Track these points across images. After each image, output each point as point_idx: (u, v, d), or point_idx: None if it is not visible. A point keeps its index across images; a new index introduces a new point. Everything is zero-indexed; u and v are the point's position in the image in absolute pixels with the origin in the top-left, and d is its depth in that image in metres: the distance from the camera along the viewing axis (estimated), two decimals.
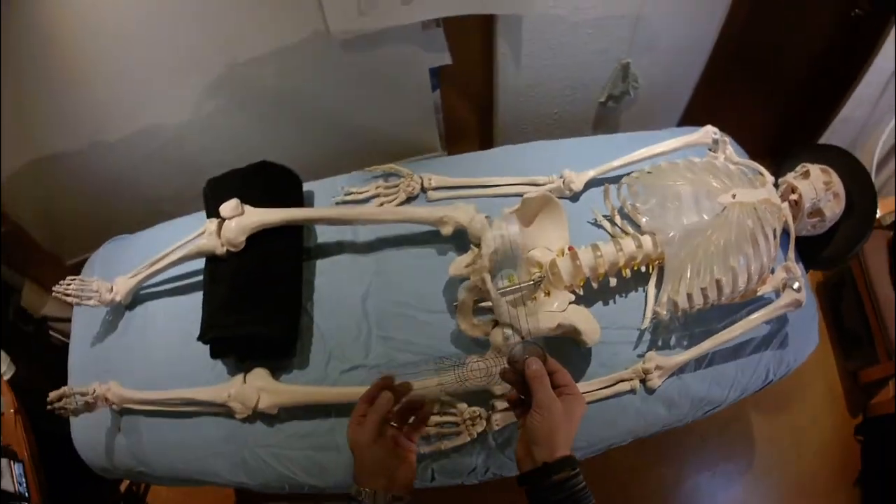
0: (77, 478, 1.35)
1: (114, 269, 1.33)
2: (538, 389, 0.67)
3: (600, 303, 1.26)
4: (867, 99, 1.78)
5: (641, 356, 1.22)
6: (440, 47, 1.55)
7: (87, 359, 1.30)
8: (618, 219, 1.32)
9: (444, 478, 1.15)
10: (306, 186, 1.41)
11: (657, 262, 1.23)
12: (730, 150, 1.37)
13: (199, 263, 1.27)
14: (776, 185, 1.30)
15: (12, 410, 1.38)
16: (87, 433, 1.23)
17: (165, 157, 1.63)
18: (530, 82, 1.75)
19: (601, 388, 1.19)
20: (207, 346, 1.18)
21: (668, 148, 1.37)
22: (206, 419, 1.19)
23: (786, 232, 1.25)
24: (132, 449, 1.21)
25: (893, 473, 1.73)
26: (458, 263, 1.15)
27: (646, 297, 1.24)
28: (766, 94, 2.06)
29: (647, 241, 1.21)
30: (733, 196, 1.21)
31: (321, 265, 1.33)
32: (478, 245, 1.17)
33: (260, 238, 1.20)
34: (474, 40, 1.65)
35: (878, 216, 1.76)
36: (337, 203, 1.39)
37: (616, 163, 1.37)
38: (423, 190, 1.39)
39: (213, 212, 1.23)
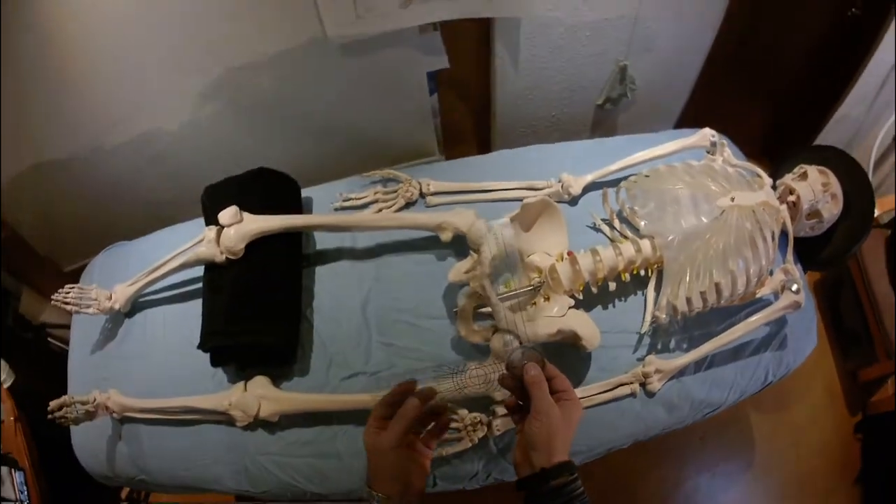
0: (78, 485, 1.35)
1: (112, 277, 1.33)
2: (536, 395, 0.67)
3: (600, 307, 1.26)
4: (864, 98, 1.78)
5: (641, 360, 1.22)
6: (438, 51, 1.55)
7: (87, 367, 1.30)
8: (616, 223, 1.32)
9: (446, 483, 1.16)
10: (304, 192, 1.41)
11: (656, 265, 1.24)
12: (728, 153, 1.37)
13: (199, 270, 1.27)
14: (774, 187, 1.31)
15: (12, 418, 1.38)
16: (87, 441, 1.23)
17: (163, 163, 1.63)
18: (528, 85, 1.75)
19: (601, 393, 1.19)
20: (208, 354, 1.18)
21: (666, 151, 1.37)
22: (208, 427, 1.19)
23: (784, 233, 1.26)
24: (133, 457, 1.21)
25: (893, 471, 1.74)
26: (458, 269, 1.15)
27: (645, 300, 1.25)
28: (762, 93, 2.07)
29: (646, 244, 1.21)
30: (732, 199, 1.21)
31: (320, 272, 1.33)
32: (477, 251, 1.17)
33: (259, 245, 1.20)
34: (472, 44, 1.65)
35: (875, 215, 1.76)
36: (335, 209, 1.39)
37: (614, 166, 1.37)
38: (422, 195, 1.39)
39: (211, 219, 1.22)
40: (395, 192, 1.39)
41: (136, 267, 1.31)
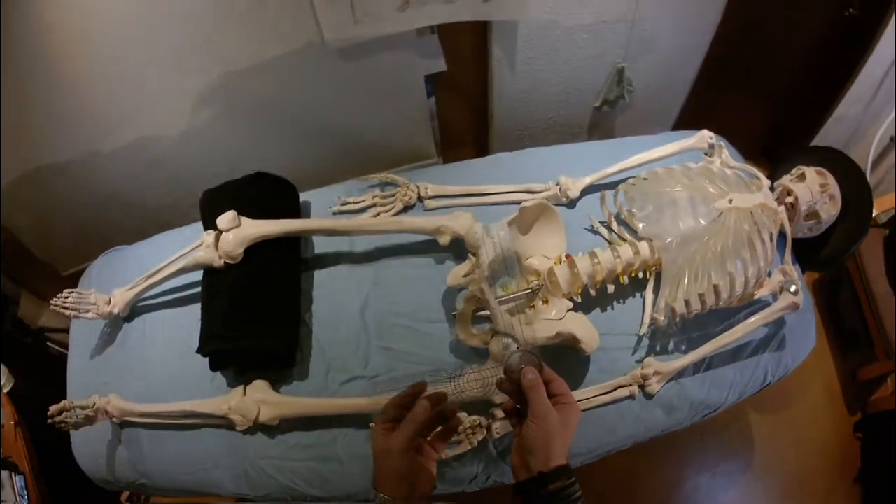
0: (78, 489, 1.35)
1: (111, 281, 1.33)
2: (534, 399, 0.67)
3: (598, 309, 1.26)
4: (861, 98, 1.79)
5: (640, 362, 1.22)
6: (435, 54, 1.55)
7: (86, 371, 1.30)
8: (615, 225, 1.32)
9: (446, 486, 1.16)
10: (302, 196, 1.41)
11: (654, 268, 1.24)
12: (725, 154, 1.37)
13: (197, 275, 1.27)
14: (772, 189, 1.31)
15: (12, 423, 1.39)
16: (87, 445, 1.23)
17: (162, 168, 1.63)
18: (525, 88, 1.75)
19: (600, 395, 1.19)
20: (207, 359, 1.18)
21: (664, 153, 1.37)
22: (207, 431, 1.19)
23: (782, 235, 1.26)
24: (133, 461, 1.21)
25: (893, 470, 1.74)
26: (456, 273, 1.15)
27: (643, 303, 1.25)
28: (760, 94, 2.07)
29: (644, 247, 1.21)
30: (730, 201, 1.22)
31: (319, 276, 1.33)
32: (475, 254, 1.17)
33: (258, 250, 1.20)
34: (469, 47, 1.65)
35: (874, 214, 1.76)
36: (334, 213, 1.39)
37: (612, 169, 1.37)
38: (420, 199, 1.39)
39: (209, 224, 1.22)
40: (394, 195, 1.39)
41: (134, 271, 1.31)
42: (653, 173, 1.30)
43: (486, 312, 1.14)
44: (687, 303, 1.16)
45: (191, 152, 1.61)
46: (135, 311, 1.33)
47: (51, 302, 1.23)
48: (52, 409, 1.12)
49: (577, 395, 1.18)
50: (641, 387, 1.21)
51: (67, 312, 1.23)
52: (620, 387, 1.20)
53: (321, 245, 1.36)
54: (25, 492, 1.33)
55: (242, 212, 1.21)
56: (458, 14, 1.41)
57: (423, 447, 0.72)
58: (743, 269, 1.16)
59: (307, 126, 1.66)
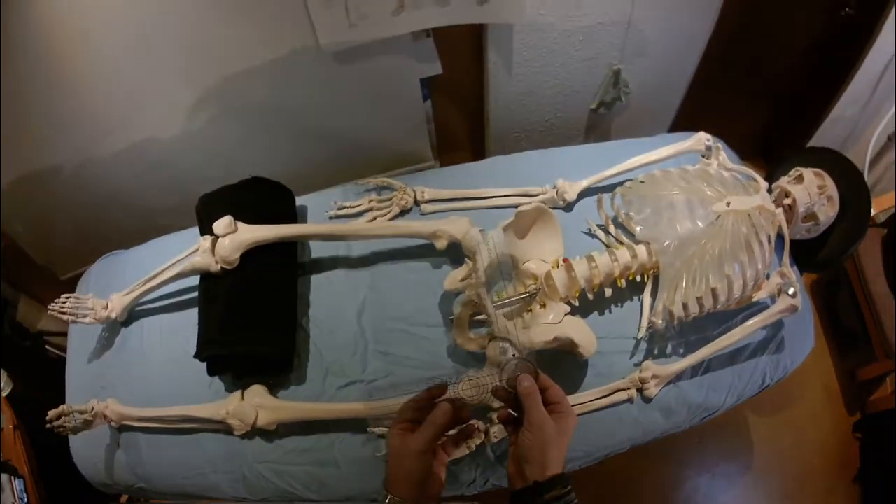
0: (77, 493, 1.35)
1: (109, 285, 1.33)
2: (530, 407, 0.67)
3: (596, 313, 1.26)
4: (858, 97, 1.78)
5: (638, 365, 1.22)
6: (430, 57, 1.55)
7: (85, 376, 1.30)
8: (612, 228, 1.32)
9: (444, 490, 1.16)
10: (298, 200, 1.41)
11: (652, 271, 1.24)
12: (723, 157, 1.37)
13: (195, 279, 1.26)
14: (770, 191, 1.31)
15: (12, 426, 1.39)
16: (86, 449, 1.23)
17: (158, 172, 1.63)
18: (521, 90, 1.75)
19: (598, 399, 1.19)
20: (204, 364, 1.18)
21: (661, 156, 1.37)
22: (206, 436, 1.19)
23: (780, 237, 1.26)
24: (132, 465, 1.21)
25: (892, 469, 1.74)
26: (453, 278, 1.15)
27: (641, 306, 1.25)
28: (757, 95, 2.07)
29: (641, 250, 1.21)
30: (727, 204, 1.22)
31: (316, 280, 1.33)
32: (472, 259, 1.17)
33: (254, 255, 1.20)
34: (465, 50, 1.64)
35: (871, 214, 1.76)
36: (330, 217, 1.39)
37: (609, 172, 1.37)
38: (417, 203, 1.39)
39: (206, 229, 1.22)
40: (390, 199, 1.39)
41: (132, 275, 1.31)
42: (650, 176, 1.30)
43: (484, 317, 1.14)
44: (685, 306, 1.16)
45: (188, 155, 1.61)
46: (132, 315, 1.33)
47: (49, 307, 1.23)
48: (51, 413, 1.12)
49: (575, 398, 1.18)
50: (639, 390, 1.20)
51: (65, 317, 1.23)
52: (618, 390, 1.20)
53: (318, 249, 1.36)
54: (25, 495, 1.33)
55: (239, 217, 1.21)
56: (453, 17, 1.41)
57: (436, 450, 0.72)
58: (741, 272, 1.16)
59: (303, 130, 1.66)
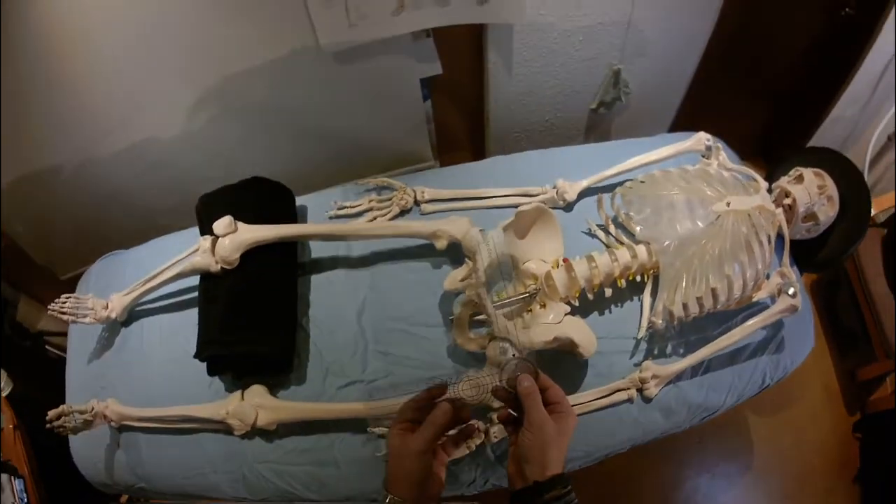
0: (77, 493, 1.35)
1: (109, 285, 1.33)
2: (530, 407, 0.67)
3: (596, 313, 1.26)
4: (858, 97, 1.78)
5: (638, 365, 1.22)
6: (430, 57, 1.55)
7: (85, 376, 1.30)
8: (612, 228, 1.32)
9: (444, 490, 1.16)
10: (299, 200, 1.41)
11: (652, 271, 1.24)
12: (723, 156, 1.37)
13: (195, 279, 1.26)
14: (770, 191, 1.31)
15: (12, 426, 1.39)
16: (86, 449, 1.23)
17: (158, 172, 1.63)
18: (522, 90, 1.75)
19: (598, 399, 1.19)
20: (204, 364, 1.18)
21: (660, 156, 1.37)
22: (206, 436, 1.19)
23: (780, 237, 1.26)
24: (132, 465, 1.21)
25: (892, 469, 1.74)
26: (453, 278, 1.15)
27: (641, 306, 1.25)
28: (757, 95, 2.07)
29: (641, 250, 1.21)
30: (727, 204, 1.22)
31: (316, 280, 1.33)
32: (472, 259, 1.17)
33: (254, 255, 1.20)
34: (465, 49, 1.64)
35: (871, 214, 1.76)
36: (330, 217, 1.39)
37: (609, 172, 1.37)
38: (417, 203, 1.39)
39: (206, 229, 1.22)
40: (390, 199, 1.39)
41: (132, 275, 1.31)
42: (650, 176, 1.30)
43: (484, 317, 1.14)
44: (685, 306, 1.16)
45: (188, 155, 1.61)
46: (132, 315, 1.33)
47: (49, 307, 1.23)
48: (51, 413, 1.12)
49: (575, 398, 1.18)
50: (639, 390, 1.20)
51: (65, 318, 1.23)
52: (618, 390, 1.20)
53: (318, 249, 1.36)
54: (25, 495, 1.33)
55: (238, 217, 1.21)
56: (453, 17, 1.41)
57: (436, 450, 0.72)
58: (741, 272, 1.16)
59: (304, 130, 1.66)
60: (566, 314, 1.15)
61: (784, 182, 1.32)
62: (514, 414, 0.73)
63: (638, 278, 1.23)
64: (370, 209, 1.38)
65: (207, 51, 1.37)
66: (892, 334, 1.71)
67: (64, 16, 1.22)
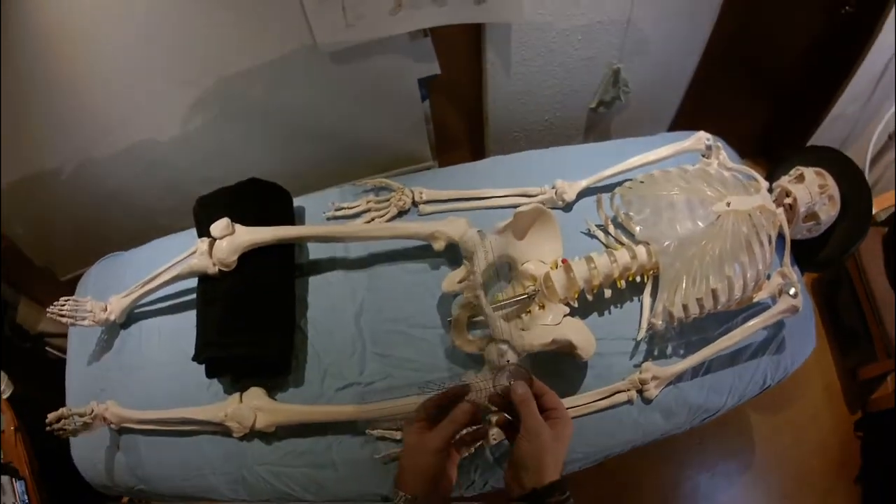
0: (78, 494, 1.35)
1: (108, 287, 1.33)
2: (525, 414, 0.66)
3: (595, 314, 1.26)
4: (859, 95, 1.77)
5: (638, 366, 1.22)
6: (428, 57, 1.54)
7: (85, 378, 1.30)
8: (612, 229, 1.32)
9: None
10: (297, 201, 1.40)
11: (652, 272, 1.23)
12: (723, 156, 1.36)
13: (193, 281, 1.26)
14: (770, 190, 1.30)
15: (12, 428, 1.39)
16: (86, 451, 1.23)
17: (159, 171, 1.63)
18: (520, 89, 1.74)
19: (598, 400, 1.18)
20: (203, 366, 1.18)
21: (660, 156, 1.36)
22: (205, 438, 1.19)
23: (781, 236, 1.25)
24: (132, 467, 1.21)
25: (893, 469, 1.74)
26: (451, 279, 1.15)
27: (641, 307, 1.24)
28: (757, 93, 2.06)
29: (641, 251, 1.20)
30: (728, 204, 1.21)
31: (314, 282, 1.33)
32: (470, 260, 1.16)
33: (251, 257, 1.20)
34: (463, 49, 1.63)
35: (873, 213, 1.75)
36: (328, 219, 1.39)
37: (608, 172, 1.36)
38: (415, 204, 1.38)
39: (204, 231, 1.22)
40: (388, 200, 1.38)
41: (131, 277, 1.31)
42: (649, 176, 1.29)
43: (482, 318, 1.14)
44: (685, 307, 1.15)
45: (187, 156, 1.61)
46: (131, 317, 1.33)
47: (48, 310, 1.23)
48: (51, 416, 1.12)
49: (575, 400, 1.17)
50: (639, 391, 1.20)
51: (64, 320, 1.23)
52: (618, 392, 1.19)
53: (316, 251, 1.36)
54: (26, 497, 1.33)
55: (236, 219, 1.21)
56: (450, 17, 1.40)
57: (450, 450, 0.71)
58: (741, 273, 1.16)
59: (302, 130, 1.65)
60: (565, 315, 1.15)
61: (785, 181, 1.31)
62: (511, 418, 0.72)
63: (637, 279, 1.23)
64: (368, 210, 1.38)
65: (205, 51, 1.37)
66: (894, 333, 1.71)
67: (64, 16, 1.22)
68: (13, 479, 1.33)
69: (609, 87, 1.77)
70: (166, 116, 1.51)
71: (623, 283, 1.21)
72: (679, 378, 1.22)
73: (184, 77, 1.42)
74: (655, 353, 1.24)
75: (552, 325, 1.12)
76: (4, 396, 1.41)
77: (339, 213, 1.38)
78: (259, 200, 1.30)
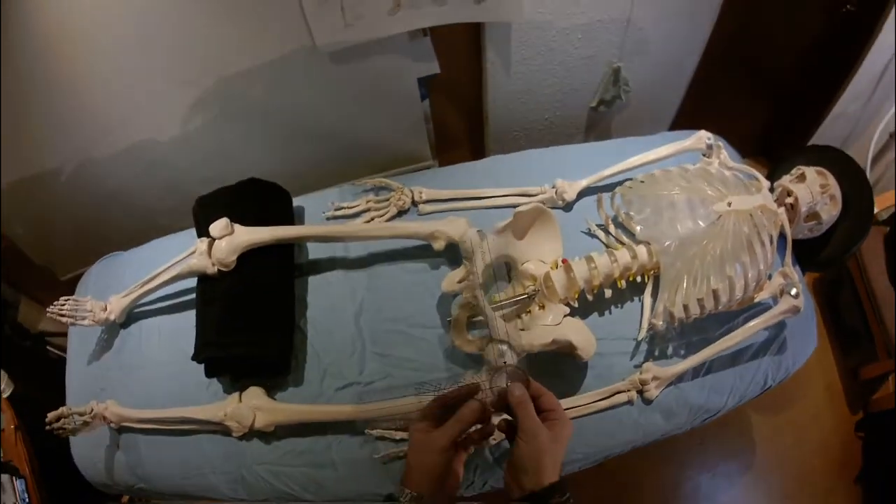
0: (78, 493, 1.35)
1: (107, 287, 1.34)
2: (523, 416, 0.66)
3: (595, 314, 1.26)
4: (860, 94, 1.77)
5: (638, 367, 1.22)
6: (428, 57, 1.54)
7: (85, 377, 1.30)
8: (612, 228, 1.31)
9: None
10: (296, 201, 1.40)
11: (653, 271, 1.23)
12: (724, 155, 1.36)
13: (193, 281, 1.26)
14: (771, 190, 1.29)
15: (13, 427, 1.39)
16: (86, 450, 1.23)
17: (159, 171, 1.63)
18: (520, 89, 1.73)
19: (598, 401, 1.18)
20: (202, 365, 1.18)
21: (661, 155, 1.36)
22: (204, 437, 1.19)
23: (782, 236, 1.25)
24: (132, 465, 1.21)
25: (894, 469, 1.73)
26: (451, 279, 1.14)
27: (642, 307, 1.24)
28: (758, 92, 2.05)
29: (641, 251, 1.20)
30: (729, 204, 1.21)
31: (313, 282, 1.33)
32: (470, 260, 1.16)
33: (251, 257, 1.20)
34: (462, 48, 1.63)
35: (874, 212, 1.75)
36: (327, 218, 1.39)
37: (608, 171, 1.36)
38: (414, 203, 1.38)
39: (203, 231, 1.22)
40: (387, 200, 1.38)
41: (130, 277, 1.31)
42: (650, 176, 1.29)
43: (482, 318, 1.13)
44: (686, 307, 1.15)
45: (187, 156, 1.61)
46: (131, 317, 1.33)
47: (48, 310, 1.23)
48: (51, 415, 1.13)
49: (575, 400, 1.17)
50: (640, 392, 1.20)
51: (64, 320, 1.24)
52: (619, 392, 1.19)
53: (315, 250, 1.36)
54: (26, 495, 1.34)
55: (235, 219, 1.21)
56: (450, 16, 1.40)
57: (457, 448, 0.71)
58: (742, 273, 1.15)
59: (301, 130, 1.65)
60: (565, 316, 1.15)
61: (786, 181, 1.31)
62: (510, 419, 0.72)
63: (638, 279, 1.23)
64: (367, 210, 1.38)
65: (205, 51, 1.37)
66: (894, 333, 1.70)
67: (64, 16, 1.22)
68: (13, 478, 1.33)
69: (609, 86, 1.77)
70: (166, 116, 1.51)
71: (623, 283, 1.21)
72: (680, 378, 1.22)
73: (184, 77, 1.42)
74: (656, 353, 1.24)
75: (552, 325, 1.12)
76: (5, 395, 1.42)
77: (338, 213, 1.38)
78: (258, 200, 1.30)
